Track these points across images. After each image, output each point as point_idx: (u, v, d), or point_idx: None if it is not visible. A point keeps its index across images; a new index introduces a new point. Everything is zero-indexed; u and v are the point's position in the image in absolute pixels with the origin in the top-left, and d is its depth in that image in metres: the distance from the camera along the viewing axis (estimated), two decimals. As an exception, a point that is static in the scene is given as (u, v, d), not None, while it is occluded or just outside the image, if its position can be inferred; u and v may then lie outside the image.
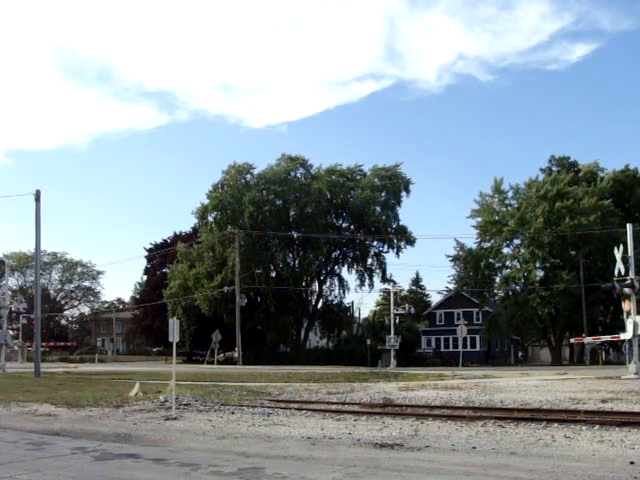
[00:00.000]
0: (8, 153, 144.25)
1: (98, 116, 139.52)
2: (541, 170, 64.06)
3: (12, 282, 79.87)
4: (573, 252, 57.68)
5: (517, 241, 59.50)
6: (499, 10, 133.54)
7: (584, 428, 10.69)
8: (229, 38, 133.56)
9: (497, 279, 61.02)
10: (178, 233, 74.67)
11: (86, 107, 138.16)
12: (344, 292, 66.86)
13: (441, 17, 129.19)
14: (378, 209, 64.03)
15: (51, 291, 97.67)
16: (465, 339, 58.24)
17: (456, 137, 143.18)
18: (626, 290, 27.28)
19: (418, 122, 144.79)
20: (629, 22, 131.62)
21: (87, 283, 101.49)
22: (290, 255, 65.17)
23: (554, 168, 63.31)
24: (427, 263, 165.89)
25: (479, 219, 60.70)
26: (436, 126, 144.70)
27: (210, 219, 64.11)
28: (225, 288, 56.60)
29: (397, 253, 64.82)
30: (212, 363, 54.73)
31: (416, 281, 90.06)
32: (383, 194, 63.80)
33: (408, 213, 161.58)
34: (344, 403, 16.57)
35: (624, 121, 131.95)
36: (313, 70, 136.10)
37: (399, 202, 64.51)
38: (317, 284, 66.92)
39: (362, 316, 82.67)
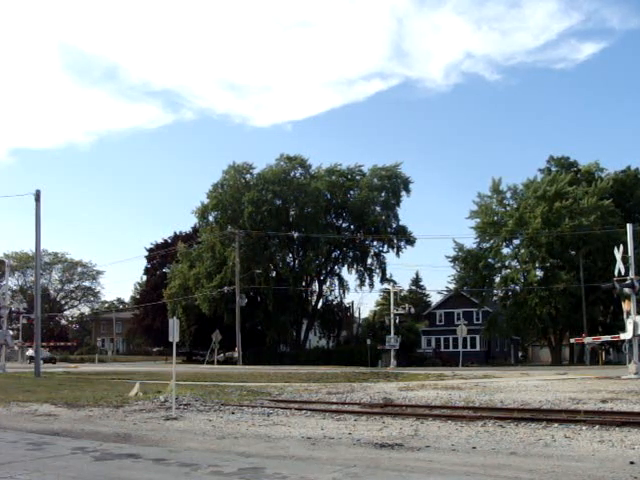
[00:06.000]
0: (11, 152, 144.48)
1: (102, 115, 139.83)
2: (539, 170, 64.17)
3: (12, 282, 79.84)
4: (573, 252, 57.70)
5: (517, 241, 59.57)
6: (507, 8, 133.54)
7: (584, 428, 10.69)
8: (235, 37, 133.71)
9: (497, 279, 61.06)
10: (178, 233, 74.72)
11: (90, 106, 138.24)
12: (344, 292, 67.02)
13: (449, 15, 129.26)
14: (378, 209, 64.10)
15: (51, 291, 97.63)
16: (465, 339, 58.26)
17: (459, 137, 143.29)
18: (626, 290, 27.28)
19: (423, 122, 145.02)
20: (638, 20, 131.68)
21: (87, 283, 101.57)
22: (290, 255, 65.19)
23: (553, 168, 63.33)
24: (427, 263, 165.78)
25: (478, 220, 60.71)
26: (441, 126, 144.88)
27: (210, 219, 64.25)
28: (225, 288, 56.62)
29: (397, 253, 65.01)
30: (212, 363, 54.74)
31: (416, 281, 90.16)
32: (383, 194, 63.84)
33: (408, 213, 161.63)
34: (344, 403, 16.57)
35: (627, 121, 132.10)
36: (319, 69, 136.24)
37: (399, 202, 64.62)
38: (317, 284, 67.02)
39: (362, 316, 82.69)
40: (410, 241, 64.64)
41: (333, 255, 65.77)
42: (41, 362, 34.18)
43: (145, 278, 79.73)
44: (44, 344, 53.30)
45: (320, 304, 67.28)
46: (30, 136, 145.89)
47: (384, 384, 24.43)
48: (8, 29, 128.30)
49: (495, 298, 65.80)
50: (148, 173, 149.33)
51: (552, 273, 55.69)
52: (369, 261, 65.53)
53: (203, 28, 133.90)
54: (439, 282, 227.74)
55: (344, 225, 67.13)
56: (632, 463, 7.73)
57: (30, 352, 56.96)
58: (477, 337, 66.40)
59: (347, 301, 71.95)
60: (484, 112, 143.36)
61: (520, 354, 79.29)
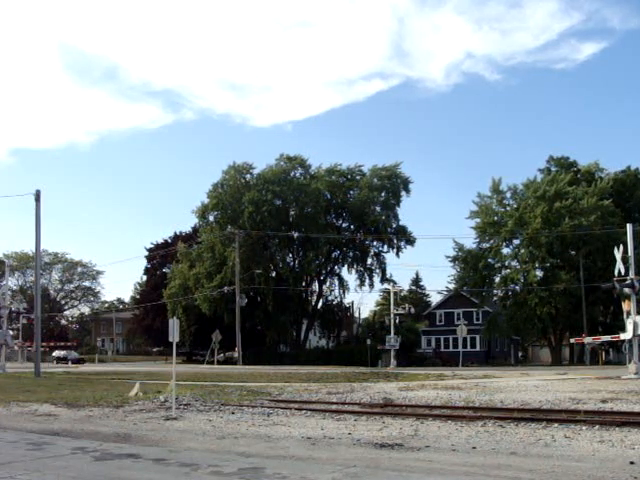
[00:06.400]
0: (11, 152, 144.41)
1: (103, 115, 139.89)
2: (539, 170, 64.13)
3: (12, 282, 79.85)
4: (573, 252, 57.70)
5: (517, 241, 59.56)
6: (508, 8, 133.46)
7: (584, 428, 10.69)
8: (235, 37, 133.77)
9: (497, 279, 61.05)
10: (178, 233, 74.73)
11: (91, 106, 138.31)
12: (344, 292, 67.08)
13: (449, 15, 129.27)
14: (378, 209, 64.11)
15: (51, 291, 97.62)
16: (465, 339, 58.26)
17: (459, 137, 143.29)
18: (626, 290, 27.29)
19: (423, 122, 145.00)
20: (638, 20, 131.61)
21: (87, 283, 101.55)
22: (290, 255, 65.20)
23: (552, 168, 63.29)
24: (427, 263, 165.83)
25: (478, 220, 60.68)
26: (441, 126, 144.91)
27: (210, 219, 64.29)
28: (225, 288, 56.63)
29: (397, 253, 65.02)
30: (212, 363, 54.75)
31: (416, 281, 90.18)
32: (382, 194, 63.86)
33: (408, 213, 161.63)
34: (344, 403, 16.57)
35: (627, 121, 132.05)
36: (319, 69, 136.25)
37: (398, 202, 64.65)
38: (317, 284, 67.05)
39: (362, 316, 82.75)
40: (410, 241, 64.69)
41: (333, 255, 65.77)
42: (69, 362, 34.53)
43: (145, 278, 79.77)
44: (44, 344, 53.30)
45: (320, 304, 67.35)
46: (30, 136, 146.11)
47: (384, 384, 24.43)
48: (8, 29, 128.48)
49: (495, 298, 65.79)
50: (148, 173, 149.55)
51: (552, 273, 55.68)
52: (369, 261, 65.65)
53: (203, 28, 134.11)
54: (439, 282, 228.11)
55: (344, 225, 67.18)
56: (632, 463, 7.72)
57: (56, 353, 64.31)
58: (477, 337, 66.39)
59: (347, 301, 72.11)
60: (484, 112, 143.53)
61: (520, 354, 79.28)
